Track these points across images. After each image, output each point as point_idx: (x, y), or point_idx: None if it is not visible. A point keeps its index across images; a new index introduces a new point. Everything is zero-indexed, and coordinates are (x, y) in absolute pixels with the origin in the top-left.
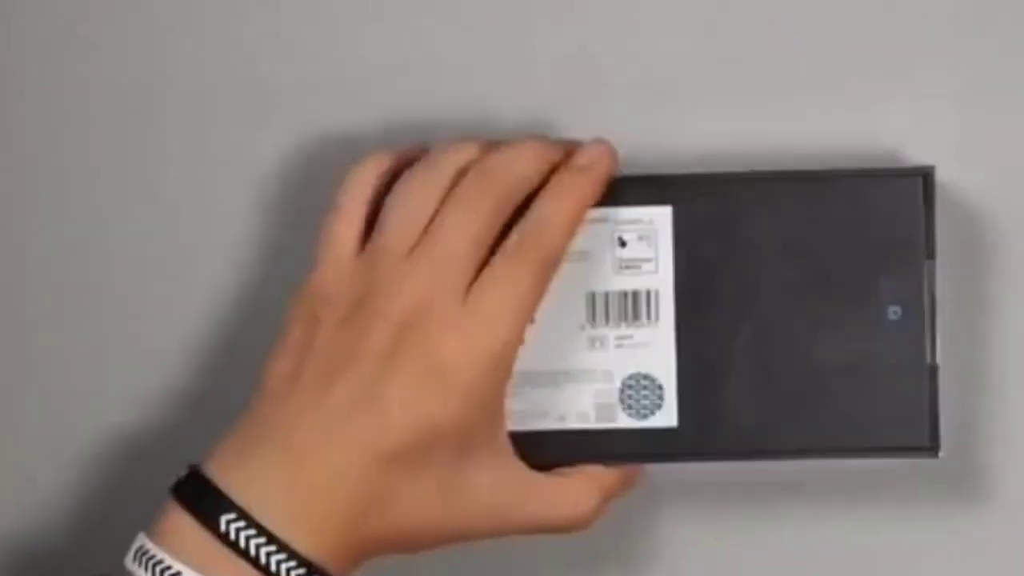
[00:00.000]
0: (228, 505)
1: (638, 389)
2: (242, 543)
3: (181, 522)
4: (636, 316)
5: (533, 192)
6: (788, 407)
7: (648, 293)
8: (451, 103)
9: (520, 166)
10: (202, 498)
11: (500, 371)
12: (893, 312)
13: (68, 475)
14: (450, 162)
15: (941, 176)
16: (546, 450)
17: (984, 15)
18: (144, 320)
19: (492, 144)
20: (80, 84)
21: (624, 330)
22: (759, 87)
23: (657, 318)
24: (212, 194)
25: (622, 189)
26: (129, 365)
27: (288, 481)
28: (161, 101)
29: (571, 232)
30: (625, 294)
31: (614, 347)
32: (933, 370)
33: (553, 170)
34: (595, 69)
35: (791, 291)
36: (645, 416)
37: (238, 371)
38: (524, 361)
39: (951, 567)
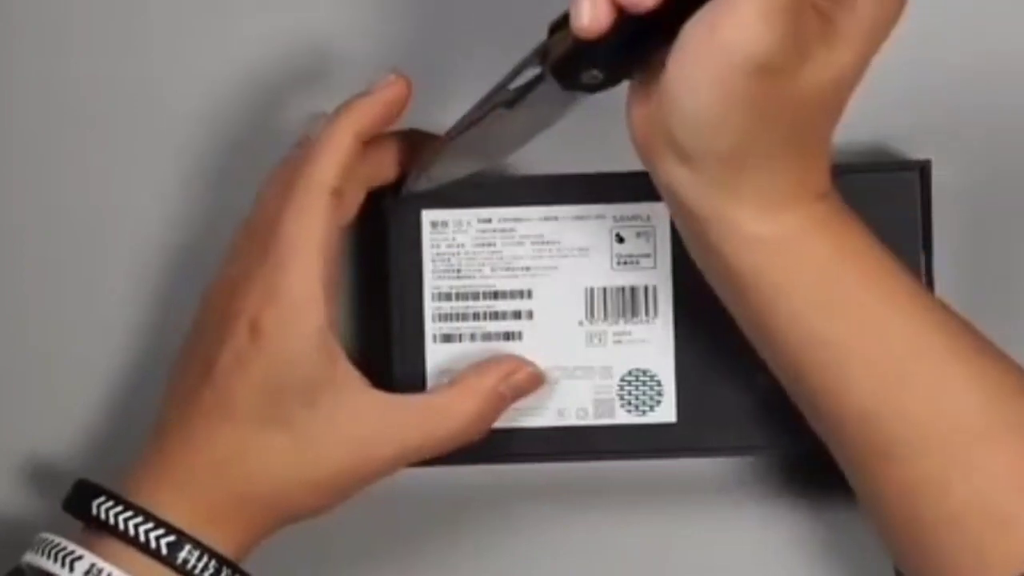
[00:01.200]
0: (99, 491)
1: (637, 385)
2: (111, 520)
3: (73, 524)
4: (635, 312)
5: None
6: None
7: (646, 289)
8: (450, 103)
9: (332, 155)
10: (78, 495)
11: (309, 316)
12: None
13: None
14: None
15: (938, 170)
16: (545, 446)
17: (983, 13)
18: (146, 319)
19: None
20: (79, 84)
21: (623, 326)
22: None
23: (656, 314)
24: (213, 194)
25: (620, 185)
26: (129, 363)
27: (161, 463)
28: (159, 101)
29: (334, 151)
30: (623, 290)
31: (612, 343)
32: None
33: None
34: None
35: None
36: (644, 412)
37: None
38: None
39: None
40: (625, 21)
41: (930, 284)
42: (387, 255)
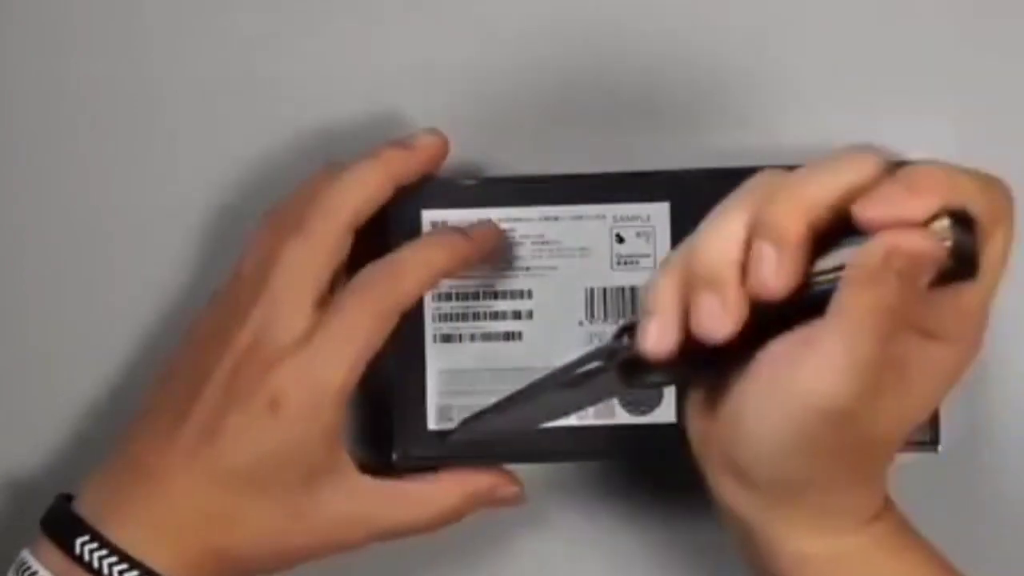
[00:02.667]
0: (82, 528)
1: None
2: (95, 563)
3: (49, 548)
4: (634, 312)
5: None
6: None
7: None
8: (452, 105)
9: (358, 191)
10: (61, 524)
11: (334, 407)
12: None
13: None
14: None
15: None
16: (545, 446)
17: (982, 15)
18: (145, 320)
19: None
20: (77, 83)
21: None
22: (759, 88)
23: None
24: (211, 194)
25: (620, 185)
26: (129, 364)
27: (141, 503)
28: (159, 101)
29: (426, 285)
30: (623, 290)
31: None
32: None
33: None
34: (595, 69)
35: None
36: (644, 412)
37: None
38: (523, 358)
39: None
40: (694, 343)
41: None
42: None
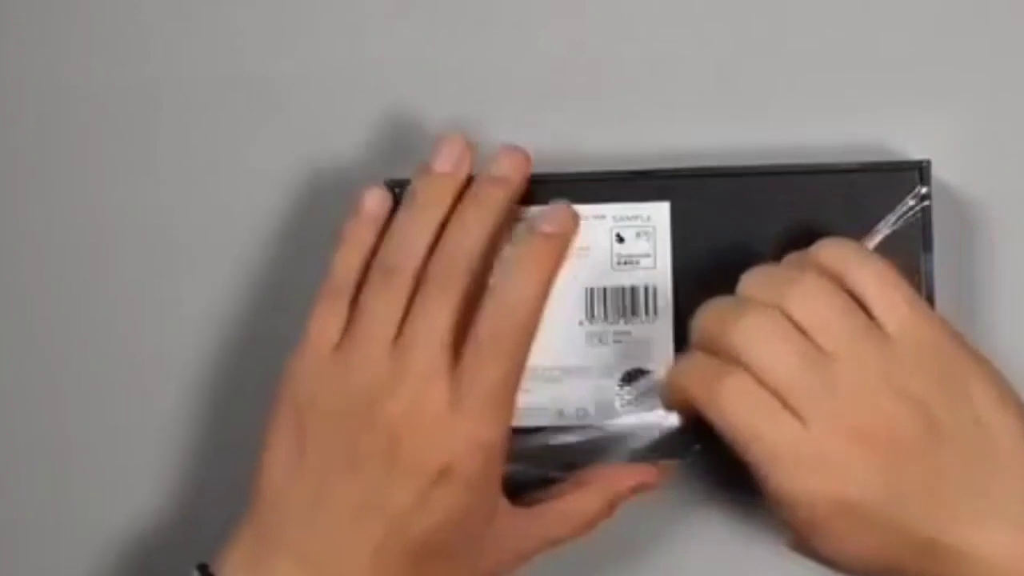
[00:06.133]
0: None
1: (637, 385)
2: None
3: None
4: (635, 312)
5: None
6: None
7: (646, 289)
8: (451, 103)
9: (473, 239)
10: None
11: (498, 457)
12: None
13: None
14: (417, 239)
15: (938, 171)
16: (545, 447)
17: (981, 14)
18: (145, 319)
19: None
20: (77, 83)
21: (623, 326)
22: (758, 87)
23: (656, 313)
24: (210, 195)
25: (620, 185)
26: (124, 364)
27: None
28: (159, 101)
29: (541, 306)
30: (623, 290)
31: (613, 343)
32: None
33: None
34: (595, 69)
35: None
36: (644, 412)
37: (237, 371)
38: None
39: None
40: None
41: (930, 285)
42: None
